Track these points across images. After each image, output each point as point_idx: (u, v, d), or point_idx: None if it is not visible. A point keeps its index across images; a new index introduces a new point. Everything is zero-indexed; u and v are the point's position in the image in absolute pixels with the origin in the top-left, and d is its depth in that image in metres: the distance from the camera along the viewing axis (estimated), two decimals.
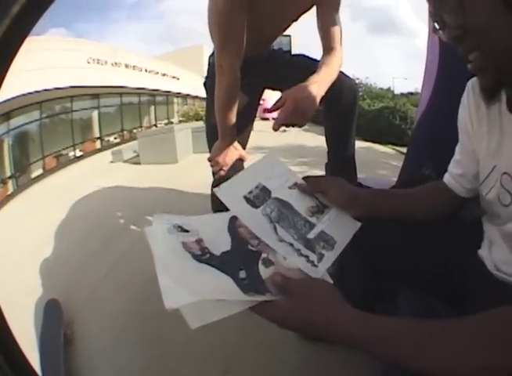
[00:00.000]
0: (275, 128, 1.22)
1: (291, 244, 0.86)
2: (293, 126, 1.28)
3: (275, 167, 1.06)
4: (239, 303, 0.69)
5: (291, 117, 1.24)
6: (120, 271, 2.46)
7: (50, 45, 11.32)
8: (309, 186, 1.02)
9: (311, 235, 0.91)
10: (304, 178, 1.04)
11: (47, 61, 10.79)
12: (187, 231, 0.85)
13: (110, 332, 1.79)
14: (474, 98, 0.95)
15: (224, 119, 1.63)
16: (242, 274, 0.76)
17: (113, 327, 1.83)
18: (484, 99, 0.87)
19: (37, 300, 2.02)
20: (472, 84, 0.97)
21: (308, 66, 1.57)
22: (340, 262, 0.93)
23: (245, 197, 0.95)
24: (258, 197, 0.96)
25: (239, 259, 0.82)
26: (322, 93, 1.35)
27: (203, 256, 0.79)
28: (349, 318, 0.66)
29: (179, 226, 0.85)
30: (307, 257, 0.84)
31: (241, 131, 1.81)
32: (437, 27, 0.82)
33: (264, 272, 0.79)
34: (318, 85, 1.32)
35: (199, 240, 0.84)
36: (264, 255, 0.83)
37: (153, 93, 19.17)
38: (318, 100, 1.30)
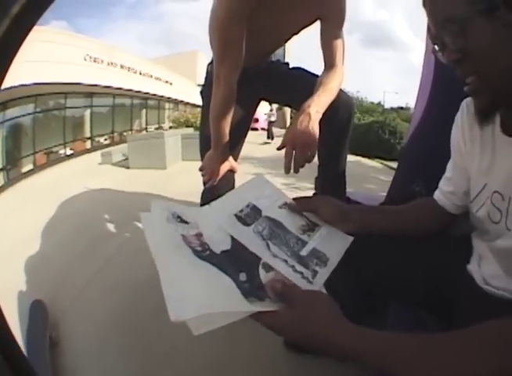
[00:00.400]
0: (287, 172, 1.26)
1: (285, 261, 0.86)
2: (309, 162, 1.29)
3: (265, 187, 1.06)
4: (238, 312, 0.68)
5: (296, 159, 1.25)
6: (106, 274, 2.44)
7: (49, 38, 11.27)
8: (299, 204, 1.02)
9: (303, 252, 0.90)
10: (293, 199, 1.04)
11: (45, 54, 10.78)
12: (186, 222, 0.85)
13: (96, 335, 1.77)
14: (468, 118, 0.96)
15: (218, 129, 1.63)
16: (242, 277, 0.76)
17: (98, 329, 1.80)
18: (478, 121, 0.88)
19: (22, 298, 1.99)
20: (467, 104, 0.98)
21: (306, 80, 1.58)
22: (331, 276, 0.93)
23: (236, 215, 0.94)
24: (249, 215, 0.96)
25: (240, 261, 0.81)
26: (320, 115, 1.35)
27: (204, 253, 0.78)
28: (347, 331, 0.67)
29: (178, 216, 0.85)
30: (301, 273, 0.84)
31: (234, 143, 1.81)
32: (436, 48, 0.83)
33: (264, 276, 0.79)
34: (312, 110, 1.33)
35: (198, 234, 0.83)
36: (264, 260, 0.83)
37: (146, 96, 19.17)
38: (316, 128, 1.30)
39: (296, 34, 1.75)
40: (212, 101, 1.61)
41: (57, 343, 1.68)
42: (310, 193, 2.10)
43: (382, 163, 8.00)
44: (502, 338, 0.59)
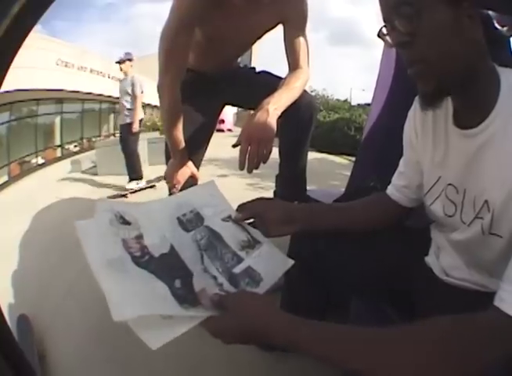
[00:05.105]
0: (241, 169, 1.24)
1: (214, 277, 0.85)
2: (264, 161, 1.27)
3: (213, 196, 1.06)
4: (185, 321, 0.70)
5: (250, 155, 1.24)
6: (81, 283, 2.38)
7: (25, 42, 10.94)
8: (244, 212, 1.03)
9: (237, 270, 0.89)
10: (238, 206, 1.05)
11: (19, 60, 10.47)
12: (129, 223, 0.85)
13: (77, 345, 1.75)
14: (421, 112, 0.97)
15: (172, 138, 1.65)
16: (177, 283, 0.77)
17: (79, 340, 1.78)
18: (423, 105, 0.86)
19: (7, 315, 1.95)
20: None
21: (270, 83, 1.58)
22: (287, 274, 0.94)
23: (178, 219, 0.94)
24: (191, 221, 0.96)
25: (177, 266, 0.83)
26: (278, 113, 1.35)
27: (142, 258, 0.79)
28: (285, 321, 0.69)
29: (121, 216, 0.85)
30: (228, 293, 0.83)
31: (197, 148, 1.82)
32: (384, 31, 0.83)
33: (197, 284, 0.80)
34: (271, 107, 1.32)
35: (139, 236, 0.83)
36: (194, 274, 0.83)
37: (114, 101, 18.88)
38: (273, 125, 1.29)
39: (259, 38, 1.75)
40: (160, 111, 1.64)
41: (44, 357, 1.66)
42: None
43: (348, 159, 8.01)
44: (433, 338, 0.61)
